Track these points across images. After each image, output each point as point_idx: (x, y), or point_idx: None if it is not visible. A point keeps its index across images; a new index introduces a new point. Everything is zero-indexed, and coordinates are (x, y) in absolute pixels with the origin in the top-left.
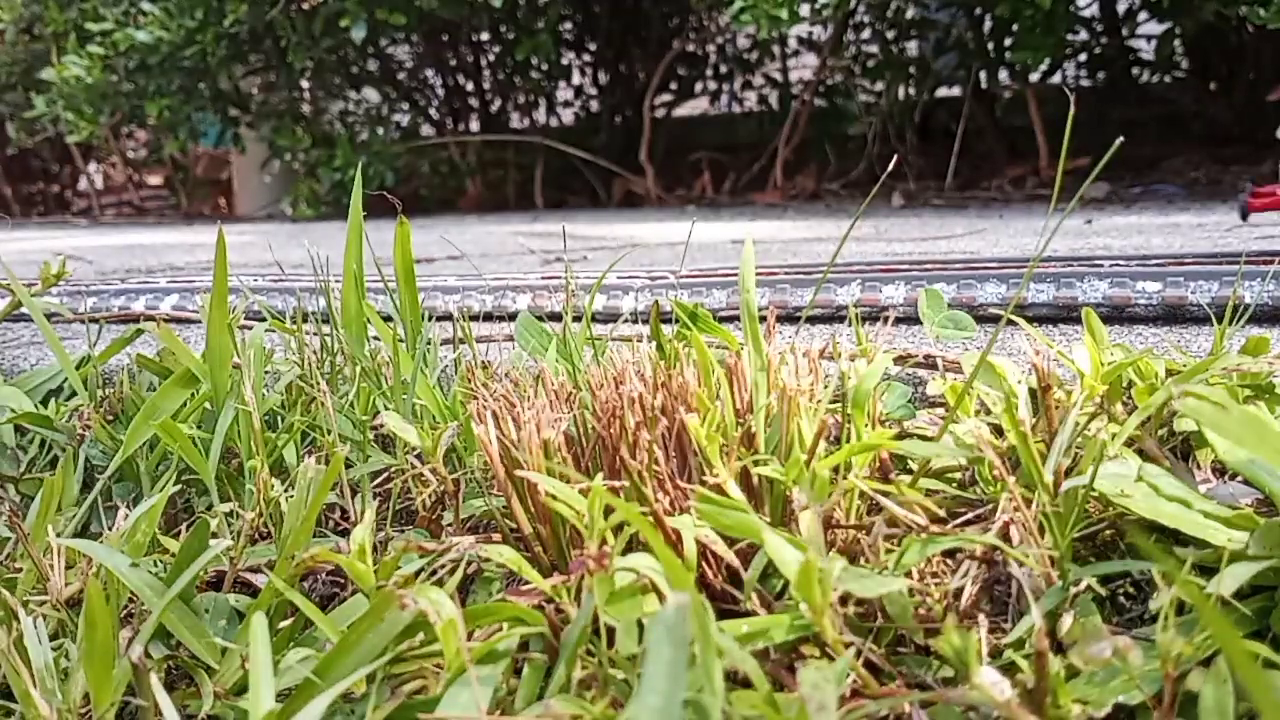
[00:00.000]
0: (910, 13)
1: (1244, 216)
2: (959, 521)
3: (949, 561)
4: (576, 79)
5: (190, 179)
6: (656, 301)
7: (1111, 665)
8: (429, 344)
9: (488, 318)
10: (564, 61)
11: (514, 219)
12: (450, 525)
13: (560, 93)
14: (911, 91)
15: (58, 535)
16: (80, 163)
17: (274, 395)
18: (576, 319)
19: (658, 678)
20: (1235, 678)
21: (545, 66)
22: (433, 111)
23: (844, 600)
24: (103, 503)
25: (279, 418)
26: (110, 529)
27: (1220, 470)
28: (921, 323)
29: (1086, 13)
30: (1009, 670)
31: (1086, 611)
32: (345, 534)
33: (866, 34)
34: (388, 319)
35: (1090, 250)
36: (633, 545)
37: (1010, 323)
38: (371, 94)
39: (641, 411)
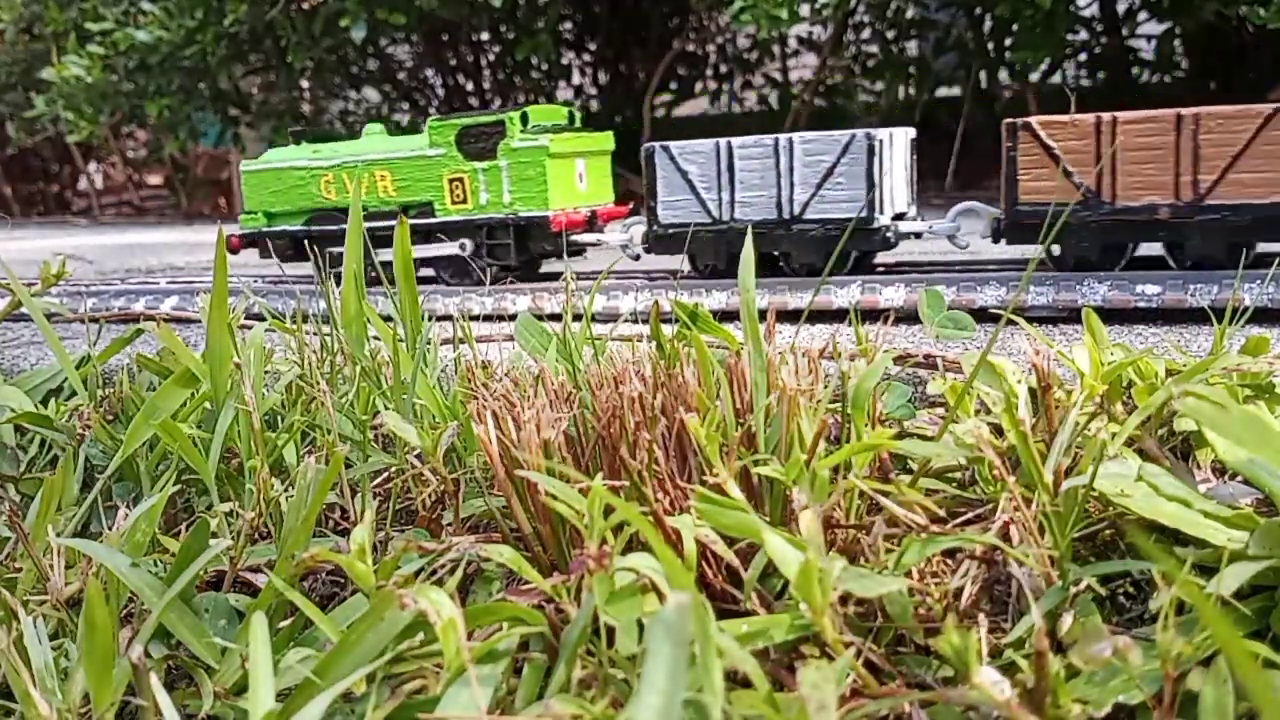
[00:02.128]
0: (910, 13)
1: (233, 252)
2: (959, 521)
3: (949, 561)
4: (576, 79)
5: (190, 179)
6: (656, 301)
7: (1111, 665)
8: (429, 344)
9: (488, 318)
10: (564, 61)
11: None
12: (450, 525)
13: (560, 93)
14: (911, 91)
15: (58, 535)
16: (80, 163)
17: (274, 395)
18: (576, 319)
19: (658, 677)
20: (1235, 677)
21: (545, 66)
22: (433, 111)
23: (844, 600)
24: (103, 502)
25: (279, 418)
26: (110, 529)
27: (1220, 470)
28: (921, 322)
29: (1086, 13)
30: (1009, 670)
31: (1086, 611)
32: (345, 534)
33: (866, 34)
34: (388, 319)
35: None
36: (633, 545)
37: (1010, 322)
38: (371, 94)
39: (641, 411)
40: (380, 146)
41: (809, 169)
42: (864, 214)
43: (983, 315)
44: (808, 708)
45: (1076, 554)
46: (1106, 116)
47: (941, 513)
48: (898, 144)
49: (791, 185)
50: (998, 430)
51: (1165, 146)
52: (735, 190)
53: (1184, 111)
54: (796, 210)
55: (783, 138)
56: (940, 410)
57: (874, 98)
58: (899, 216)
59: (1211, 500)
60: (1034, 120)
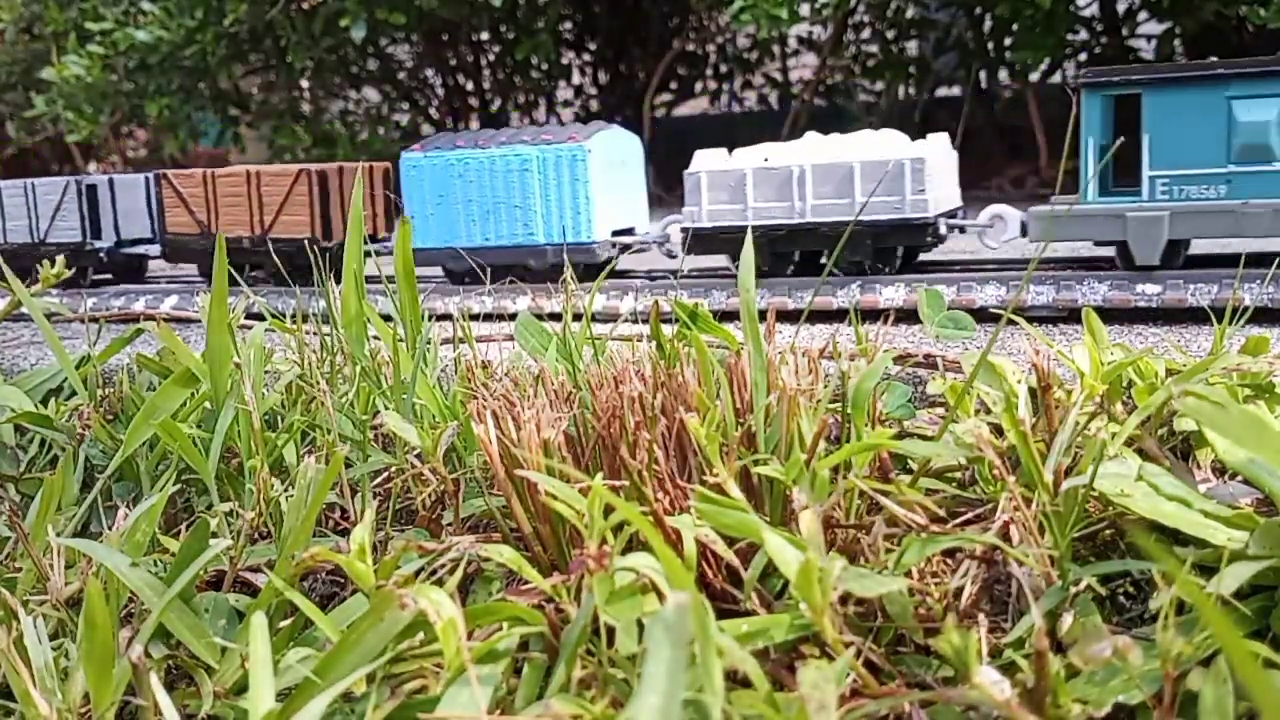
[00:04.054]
0: (910, 13)
1: None
2: (959, 521)
3: (949, 561)
4: (576, 79)
5: None
6: (656, 301)
7: (1111, 665)
8: (429, 344)
9: (488, 318)
10: (564, 61)
11: None
12: (450, 525)
13: (560, 92)
14: (911, 91)
15: (58, 535)
16: (80, 162)
17: (274, 395)
18: (576, 318)
19: (658, 677)
20: (1235, 677)
21: (545, 66)
22: (433, 111)
23: (844, 600)
24: (103, 502)
25: (279, 417)
26: (110, 529)
27: (1220, 470)
28: (921, 322)
29: (1086, 13)
30: (1009, 670)
31: (1086, 611)
32: (345, 534)
33: (866, 34)
34: (388, 319)
35: (1091, 250)
36: (633, 545)
37: (1010, 322)
38: (371, 94)
39: (641, 411)
40: None
41: (45, 205)
42: (80, 239)
43: (983, 315)
44: (808, 708)
45: (1076, 554)
46: (209, 171)
47: (941, 513)
48: (129, 187)
49: (37, 216)
50: (998, 430)
51: (244, 194)
52: (5, 219)
53: (250, 169)
54: (40, 236)
55: (29, 183)
56: (940, 410)
57: (874, 98)
58: (136, 242)
59: (1211, 500)
60: (169, 173)
